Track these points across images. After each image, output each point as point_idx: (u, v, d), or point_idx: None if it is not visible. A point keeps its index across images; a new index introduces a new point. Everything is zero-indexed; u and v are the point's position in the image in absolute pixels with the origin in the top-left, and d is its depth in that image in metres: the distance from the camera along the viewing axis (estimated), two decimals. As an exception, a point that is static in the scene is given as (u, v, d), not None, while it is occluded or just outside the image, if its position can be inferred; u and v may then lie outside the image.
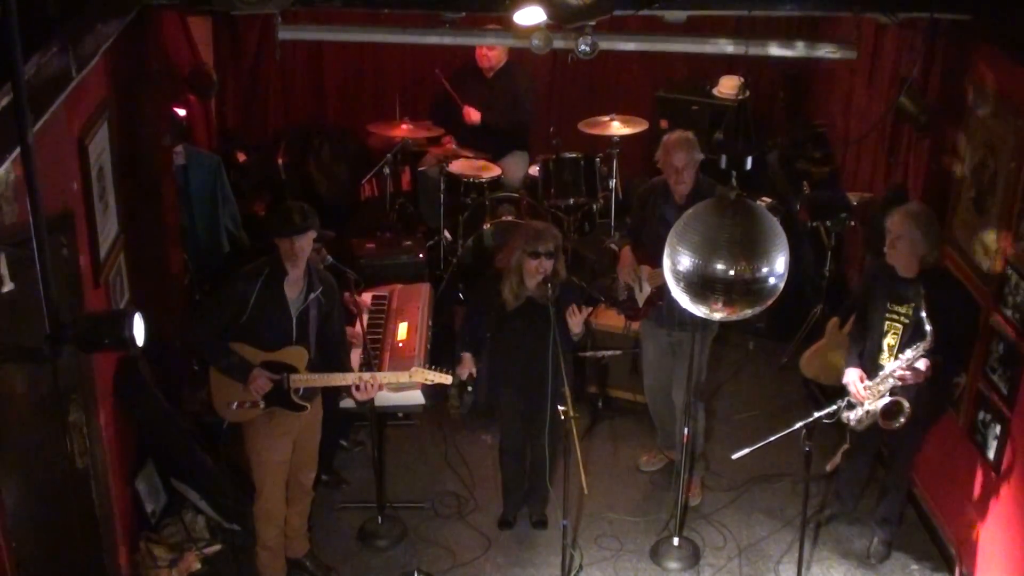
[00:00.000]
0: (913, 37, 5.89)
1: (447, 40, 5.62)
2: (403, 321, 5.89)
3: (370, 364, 5.30)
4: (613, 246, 7.69)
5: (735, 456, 4.88)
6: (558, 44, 5.08)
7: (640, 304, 5.62)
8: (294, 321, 4.82)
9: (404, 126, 7.55)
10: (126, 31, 4.71)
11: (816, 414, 4.82)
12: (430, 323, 6.00)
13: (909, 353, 4.78)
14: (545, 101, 8.74)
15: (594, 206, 7.63)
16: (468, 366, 5.28)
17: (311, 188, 8.25)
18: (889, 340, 5.00)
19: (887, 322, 5.00)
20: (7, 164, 3.14)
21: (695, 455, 5.73)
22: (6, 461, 3.95)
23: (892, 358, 4.92)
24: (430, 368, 5.11)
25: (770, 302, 3.49)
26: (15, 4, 2.66)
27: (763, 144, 8.04)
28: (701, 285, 3.31)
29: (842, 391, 5.11)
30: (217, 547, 5.49)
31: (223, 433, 5.00)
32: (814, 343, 6.08)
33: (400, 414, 6.30)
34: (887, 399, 4.86)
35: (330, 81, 8.82)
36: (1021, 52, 4.67)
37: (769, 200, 6.94)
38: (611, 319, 6.44)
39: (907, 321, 4.89)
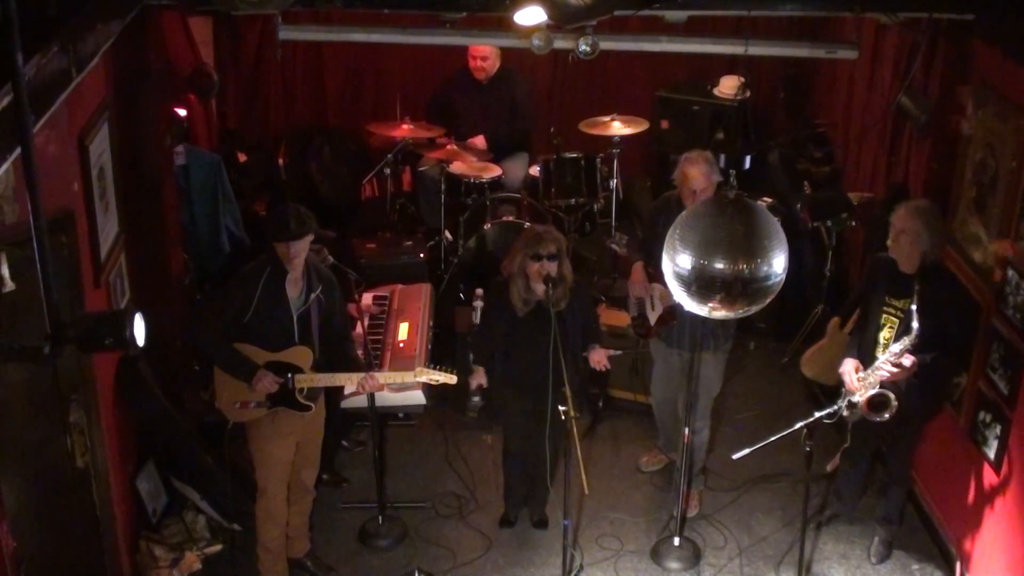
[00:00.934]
0: (914, 37, 5.89)
1: (448, 40, 5.63)
2: (404, 321, 5.89)
3: (371, 364, 5.31)
4: (614, 246, 7.72)
5: (736, 456, 4.88)
6: (559, 44, 5.08)
7: (652, 323, 5.52)
8: (295, 320, 4.83)
9: (405, 126, 7.55)
10: (127, 31, 4.71)
11: (817, 414, 4.82)
12: (431, 323, 6.00)
13: (896, 347, 4.80)
14: (545, 101, 8.74)
15: (595, 206, 7.62)
16: (480, 378, 5.29)
17: (312, 188, 8.25)
18: (885, 333, 5.02)
19: (884, 315, 5.03)
20: (8, 164, 3.14)
21: (693, 471, 5.73)
22: (7, 461, 3.96)
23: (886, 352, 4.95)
24: (434, 368, 5.12)
25: (768, 301, 3.49)
26: (15, 4, 2.66)
27: (764, 144, 8.04)
28: (701, 284, 3.31)
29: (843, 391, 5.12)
30: (218, 547, 5.49)
31: (227, 433, 5.00)
32: (815, 343, 6.08)
33: (401, 414, 6.31)
34: (874, 391, 4.88)
35: (331, 81, 8.82)
36: (1021, 51, 4.67)
37: (770, 200, 6.93)
38: (612, 318, 6.44)
39: (903, 316, 4.91)
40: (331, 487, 5.95)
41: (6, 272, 3.51)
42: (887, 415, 4.85)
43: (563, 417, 4.77)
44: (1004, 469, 4.88)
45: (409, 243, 7.27)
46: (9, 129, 2.86)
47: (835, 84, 8.01)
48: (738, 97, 8.02)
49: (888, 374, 4.83)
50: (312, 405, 4.96)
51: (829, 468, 5.40)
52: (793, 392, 6.78)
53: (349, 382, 5.08)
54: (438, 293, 6.91)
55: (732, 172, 3.97)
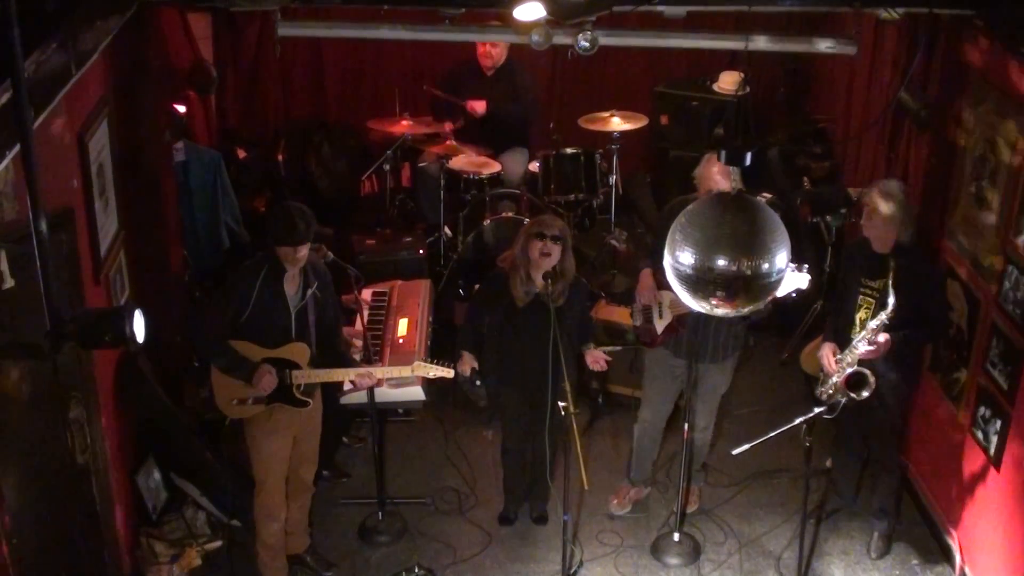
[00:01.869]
0: (913, 32, 5.88)
1: (447, 36, 5.62)
2: (403, 317, 5.89)
3: (370, 360, 5.31)
4: (613, 242, 7.72)
5: (735, 452, 4.89)
6: (558, 40, 5.07)
7: (659, 331, 5.44)
8: (293, 317, 4.83)
9: (404, 122, 7.54)
10: (126, 27, 4.72)
11: (816, 409, 4.84)
12: (430, 319, 6.00)
13: (872, 323, 4.87)
14: (545, 97, 8.73)
15: (594, 202, 7.62)
16: (468, 362, 5.27)
17: (311, 184, 8.26)
18: (861, 315, 5.09)
19: (860, 296, 5.09)
20: (7, 161, 3.14)
21: (693, 468, 5.73)
22: (7, 458, 3.96)
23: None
24: (431, 362, 5.12)
25: (771, 298, 3.48)
26: (15, 1, 2.66)
27: (763, 140, 8.04)
28: (702, 281, 3.31)
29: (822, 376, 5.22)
30: (218, 543, 5.49)
31: (225, 429, 5.01)
32: (815, 338, 6.08)
33: (401, 410, 6.31)
34: (851, 369, 4.93)
35: (330, 77, 8.81)
36: (1021, 46, 4.67)
37: (769, 196, 6.94)
38: (611, 314, 6.44)
39: (879, 295, 4.98)
40: (331, 483, 5.95)
41: (6, 269, 3.51)
42: (865, 393, 4.89)
43: (563, 413, 4.78)
44: (1004, 464, 4.88)
45: (408, 239, 7.27)
46: (9, 125, 2.86)
47: (834, 80, 8.01)
48: (738, 93, 8.02)
49: (865, 351, 4.90)
50: (309, 401, 4.96)
51: (829, 463, 5.42)
52: (793, 388, 6.79)
53: (346, 378, 5.08)
54: (437, 289, 6.91)
55: (732, 169, 3.97)
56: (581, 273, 5.51)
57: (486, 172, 7.46)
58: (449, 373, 5.14)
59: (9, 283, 3.54)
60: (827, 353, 5.14)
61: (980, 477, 5.13)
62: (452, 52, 8.05)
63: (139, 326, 3.11)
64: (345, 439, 6.26)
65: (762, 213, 3.36)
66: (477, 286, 6.37)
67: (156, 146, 5.76)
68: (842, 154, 7.72)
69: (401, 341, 5.68)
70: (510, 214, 7.19)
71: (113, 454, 4.97)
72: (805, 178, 7.42)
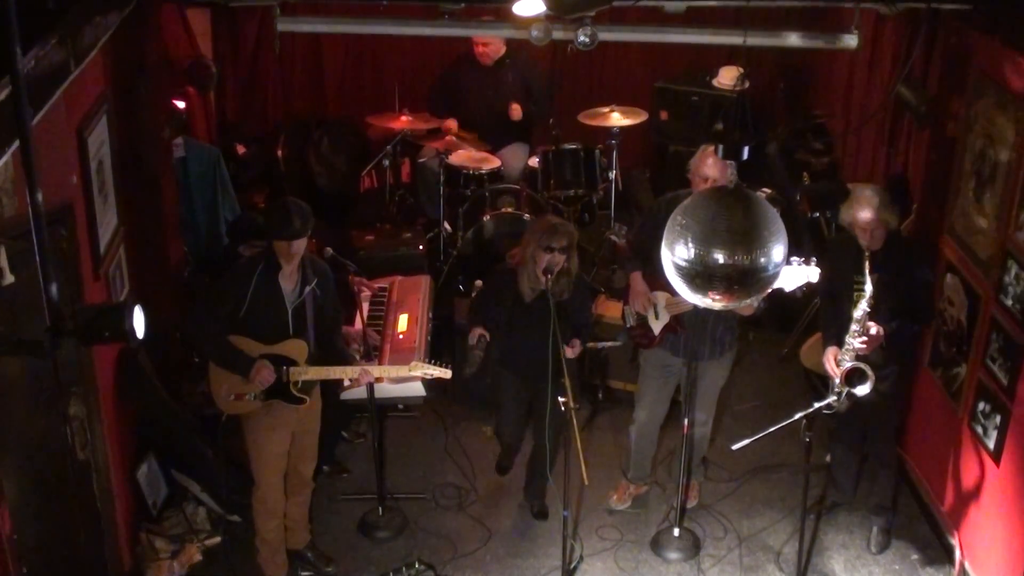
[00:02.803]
0: (913, 27, 5.88)
1: (446, 32, 5.61)
2: (403, 313, 5.89)
3: (370, 356, 5.30)
4: (613, 237, 7.71)
5: (735, 447, 4.90)
6: (557, 35, 5.07)
7: (656, 332, 5.39)
8: (290, 314, 4.82)
9: (403, 117, 7.54)
10: (125, 23, 4.70)
11: (816, 404, 4.84)
12: (430, 315, 6.00)
13: (856, 314, 4.88)
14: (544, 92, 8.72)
15: (594, 197, 7.62)
16: (478, 331, 5.26)
17: (310, 180, 8.25)
18: (858, 312, 5.06)
19: (856, 293, 5.07)
20: (6, 157, 3.13)
21: (693, 462, 5.72)
22: (7, 454, 3.96)
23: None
24: (430, 362, 5.12)
25: (768, 291, 3.49)
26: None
27: (763, 135, 8.03)
28: (699, 275, 3.31)
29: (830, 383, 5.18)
30: (218, 539, 5.50)
31: (222, 425, 5.01)
32: (814, 334, 6.08)
33: (401, 405, 6.31)
34: (849, 365, 4.94)
35: (329, 73, 8.81)
36: (1020, 41, 4.66)
37: (769, 191, 6.94)
38: (611, 310, 6.43)
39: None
40: (330, 479, 5.96)
41: (5, 265, 3.51)
42: (865, 388, 4.89)
43: (563, 408, 4.78)
44: (1003, 459, 4.88)
45: (408, 235, 7.27)
46: (8, 122, 2.85)
47: (834, 75, 8.00)
48: (737, 88, 8.01)
49: (861, 346, 4.91)
50: (306, 398, 4.95)
51: (828, 458, 5.41)
52: (792, 383, 6.79)
53: (343, 376, 5.08)
54: (437, 285, 6.91)
55: (732, 164, 3.97)
56: (581, 269, 5.51)
57: (486, 167, 7.46)
58: (447, 374, 5.14)
59: (9, 279, 3.54)
60: (830, 358, 5.10)
61: (980, 472, 5.13)
62: (451, 48, 8.04)
63: (139, 322, 3.11)
64: (345, 435, 6.26)
65: (759, 206, 3.36)
66: (479, 281, 6.38)
67: (155, 142, 5.75)
68: (842, 149, 7.71)
69: (401, 337, 5.67)
70: (510, 209, 7.19)
71: (113, 450, 4.97)
72: (805, 173, 7.41)
